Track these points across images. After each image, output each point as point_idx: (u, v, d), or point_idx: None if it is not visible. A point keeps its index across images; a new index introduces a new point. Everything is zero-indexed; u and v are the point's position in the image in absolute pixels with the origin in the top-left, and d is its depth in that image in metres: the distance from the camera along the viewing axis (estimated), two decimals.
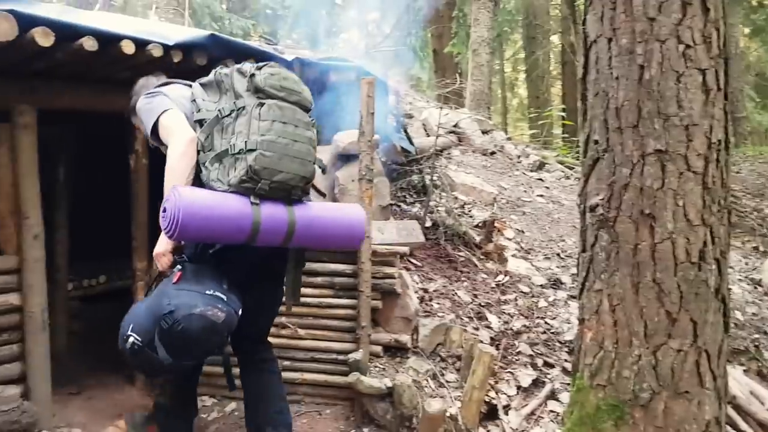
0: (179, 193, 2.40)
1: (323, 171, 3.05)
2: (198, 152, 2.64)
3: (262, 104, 2.55)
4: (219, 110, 2.64)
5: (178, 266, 2.66)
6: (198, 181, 2.64)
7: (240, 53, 3.90)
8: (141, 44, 3.35)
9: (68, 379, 4.33)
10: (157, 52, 3.40)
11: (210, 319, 2.50)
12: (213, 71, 2.79)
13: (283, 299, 3.04)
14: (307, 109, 2.71)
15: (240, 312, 2.66)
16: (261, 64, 2.69)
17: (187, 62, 3.62)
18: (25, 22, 2.92)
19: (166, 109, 2.71)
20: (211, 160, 2.59)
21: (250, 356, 3.08)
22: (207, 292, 2.55)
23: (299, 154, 2.60)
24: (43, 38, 2.97)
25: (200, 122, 2.68)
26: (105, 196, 5.17)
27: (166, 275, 2.69)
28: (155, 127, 2.71)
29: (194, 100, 2.74)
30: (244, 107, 2.57)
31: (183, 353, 2.56)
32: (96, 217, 5.20)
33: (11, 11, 2.86)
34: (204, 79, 2.80)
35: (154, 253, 2.73)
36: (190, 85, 2.88)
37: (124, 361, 2.76)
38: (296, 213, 2.60)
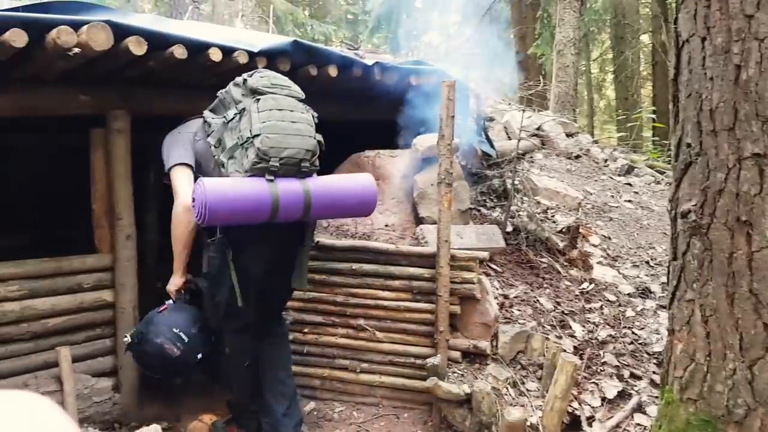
0: (204, 184, 2.68)
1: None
2: (213, 156, 3.00)
3: (258, 100, 2.88)
4: (224, 116, 2.98)
5: (170, 300, 3.26)
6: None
7: (321, 59, 3.96)
8: (227, 52, 3.46)
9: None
10: (242, 59, 3.50)
11: (166, 351, 3.05)
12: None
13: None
14: (299, 100, 3.03)
15: (200, 354, 3.18)
16: (251, 72, 3.06)
17: (271, 68, 3.70)
18: (120, 32, 3.05)
19: (177, 162, 3.06)
20: (225, 154, 2.91)
21: (263, 329, 3.43)
22: (174, 329, 3.10)
23: (299, 132, 2.89)
24: (137, 47, 3.10)
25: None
26: None
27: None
28: (168, 173, 3.09)
29: (206, 121, 3.09)
30: (244, 108, 2.89)
31: (142, 365, 3.28)
32: None
33: (107, 22, 2.98)
34: (211, 105, 3.15)
35: (167, 288, 3.29)
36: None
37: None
38: (309, 184, 2.91)
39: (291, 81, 3.12)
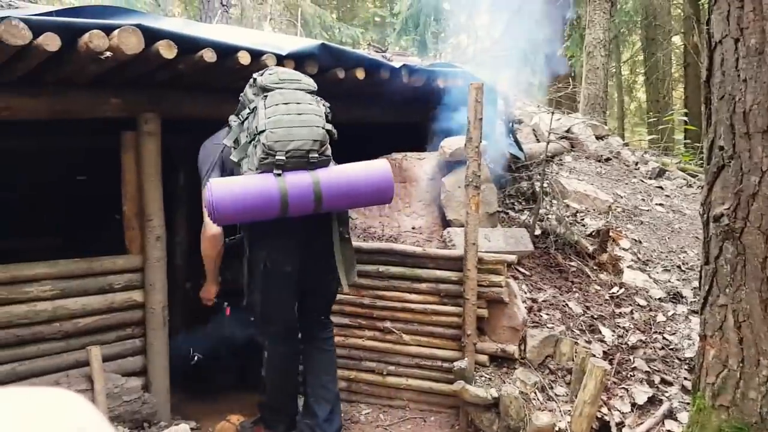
0: (210, 184, 2.79)
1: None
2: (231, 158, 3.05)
3: (266, 97, 2.93)
4: (239, 115, 3.05)
5: (226, 304, 3.69)
6: None
7: (349, 61, 3.96)
8: (256, 55, 3.49)
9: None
10: (270, 62, 3.52)
11: None
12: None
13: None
14: (310, 92, 3.03)
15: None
16: (262, 70, 3.12)
17: (299, 71, 3.71)
18: (151, 35, 3.08)
19: (207, 176, 3.16)
20: (239, 154, 2.97)
21: (309, 333, 3.45)
22: None
23: (305, 123, 2.88)
24: (167, 51, 3.13)
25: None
26: None
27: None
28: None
29: (229, 125, 3.15)
30: (255, 107, 2.93)
31: None
32: None
33: (138, 26, 3.02)
34: (237, 109, 3.20)
35: (201, 296, 3.63)
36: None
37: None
38: (319, 175, 2.87)
39: (302, 74, 3.15)
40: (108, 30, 2.96)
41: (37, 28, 2.80)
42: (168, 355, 3.96)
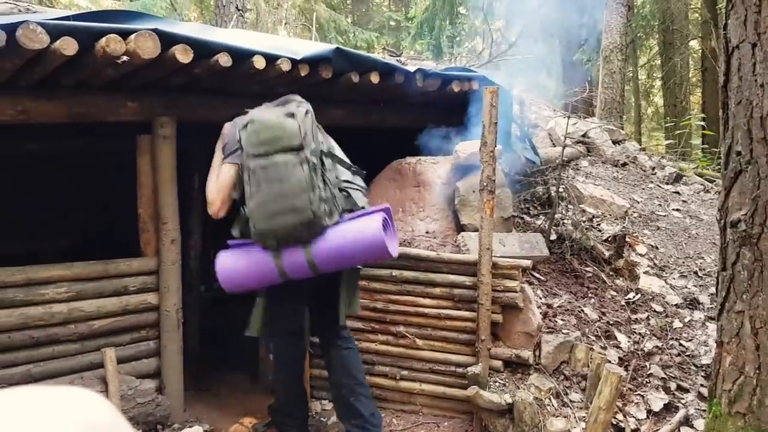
0: (218, 259, 3.02)
1: (359, 175, 3.29)
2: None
3: (249, 168, 2.88)
4: (240, 165, 3.03)
5: None
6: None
7: (364, 66, 3.97)
8: (271, 59, 3.50)
9: (198, 376, 4.55)
10: (285, 67, 3.53)
11: None
12: None
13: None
14: (293, 149, 2.84)
15: None
16: (246, 119, 2.97)
17: (314, 75, 3.73)
18: (167, 40, 3.10)
19: (226, 156, 3.16)
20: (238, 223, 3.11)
21: (327, 339, 3.51)
22: None
23: (289, 208, 2.83)
24: (183, 55, 3.14)
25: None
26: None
27: None
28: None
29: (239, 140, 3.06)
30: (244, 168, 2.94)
31: None
32: (227, 224, 5.45)
33: (155, 30, 3.04)
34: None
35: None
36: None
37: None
38: (312, 250, 2.91)
39: (283, 120, 2.90)
40: (125, 34, 2.98)
41: (54, 32, 2.82)
42: (182, 357, 3.98)
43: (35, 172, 5.05)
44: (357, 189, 3.19)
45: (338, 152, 3.26)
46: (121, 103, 3.65)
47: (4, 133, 3.80)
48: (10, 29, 2.72)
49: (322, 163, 2.99)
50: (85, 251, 4.13)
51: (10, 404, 0.52)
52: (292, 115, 2.89)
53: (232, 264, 2.99)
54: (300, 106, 3.03)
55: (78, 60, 3.02)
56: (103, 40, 2.93)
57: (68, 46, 2.85)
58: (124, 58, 3.00)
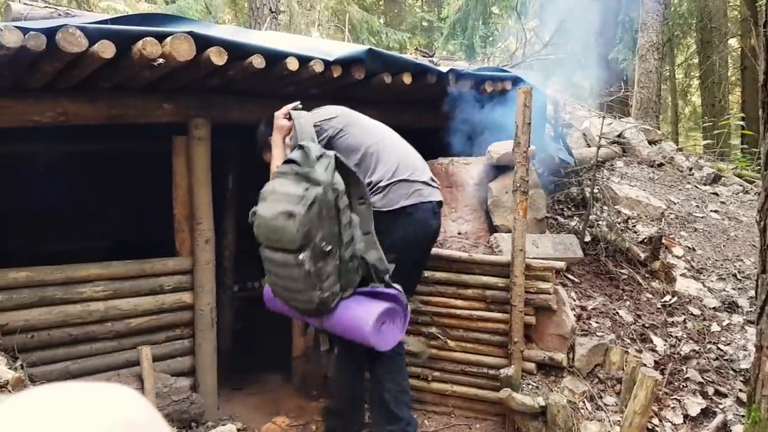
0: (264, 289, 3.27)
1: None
2: None
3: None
4: None
5: None
6: None
7: (396, 66, 3.97)
8: (304, 61, 3.52)
9: (231, 375, 4.59)
10: (318, 68, 3.55)
11: None
12: None
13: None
14: (291, 251, 2.73)
15: None
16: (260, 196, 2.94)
17: (346, 76, 3.74)
18: (202, 42, 3.14)
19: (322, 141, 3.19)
20: None
21: None
22: None
23: (296, 299, 2.90)
24: (218, 57, 3.18)
25: None
26: None
27: None
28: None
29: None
30: None
31: None
32: None
33: (190, 33, 3.08)
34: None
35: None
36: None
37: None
38: (323, 319, 2.99)
39: (282, 224, 2.74)
40: (161, 37, 3.03)
41: (92, 35, 2.88)
42: (216, 356, 4.02)
43: (74, 172, 5.14)
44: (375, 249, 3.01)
45: (355, 186, 2.97)
46: (157, 104, 3.71)
47: (45, 135, 3.88)
48: (50, 33, 2.78)
49: (340, 235, 2.82)
50: (126, 251, 4.19)
51: (51, 401, 0.54)
52: (291, 216, 2.69)
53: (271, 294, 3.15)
54: (314, 171, 2.79)
55: (115, 63, 3.08)
56: (140, 43, 2.99)
57: (106, 50, 2.91)
58: (160, 60, 3.04)
